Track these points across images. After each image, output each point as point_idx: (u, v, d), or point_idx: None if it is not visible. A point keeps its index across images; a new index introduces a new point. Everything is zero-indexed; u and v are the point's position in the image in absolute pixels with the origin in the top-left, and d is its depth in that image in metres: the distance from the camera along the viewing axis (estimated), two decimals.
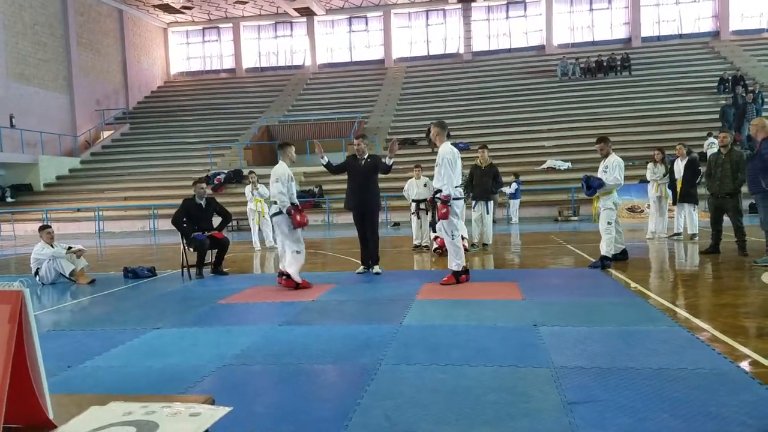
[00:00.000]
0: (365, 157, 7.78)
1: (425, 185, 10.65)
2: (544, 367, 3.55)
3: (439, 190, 6.68)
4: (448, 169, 6.58)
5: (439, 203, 6.68)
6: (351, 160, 7.91)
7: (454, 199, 6.66)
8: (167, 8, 31.69)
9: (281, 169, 6.86)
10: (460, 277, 6.70)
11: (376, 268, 7.83)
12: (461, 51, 32.33)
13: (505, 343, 4.15)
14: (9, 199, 22.52)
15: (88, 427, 1.18)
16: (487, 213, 10.33)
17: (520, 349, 3.97)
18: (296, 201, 6.93)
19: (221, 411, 1.20)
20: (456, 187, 6.68)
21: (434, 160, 6.98)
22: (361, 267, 7.94)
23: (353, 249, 9.88)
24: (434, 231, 9.71)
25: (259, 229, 12.28)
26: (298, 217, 6.67)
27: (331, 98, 29.72)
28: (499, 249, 10.69)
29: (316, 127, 25.58)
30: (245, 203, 12.71)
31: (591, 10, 31.68)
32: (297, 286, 6.70)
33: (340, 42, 33.94)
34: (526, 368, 3.56)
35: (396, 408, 2.99)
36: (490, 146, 11.85)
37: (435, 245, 9.87)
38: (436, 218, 7.16)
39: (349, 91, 30.71)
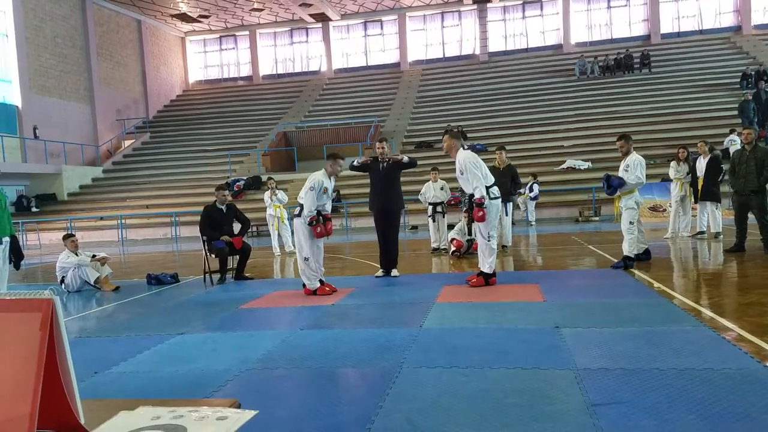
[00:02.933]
0: (387, 159, 7.80)
1: (442, 188, 10.64)
2: (567, 369, 3.52)
3: (473, 195, 6.54)
4: (475, 172, 6.46)
5: (474, 207, 6.51)
6: (372, 162, 7.94)
7: (491, 198, 6.56)
8: (185, 18, 32.06)
9: (317, 176, 6.79)
10: (489, 279, 6.64)
11: (394, 272, 7.84)
12: (477, 52, 32.20)
13: (527, 345, 4.12)
14: (34, 209, 22.94)
15: (119, 431, 1.21)
16: (506, 215, 10.27)
17: (542, 351, 3.94)
18: (327, 210, 6.87)
19: (247, 415, 1.22)
20: (489, 187, 6.56)
21: (451, 163, 6.92)
22: (381, 271, 7.94)
23: (371, 253, 9.90)
24: (469, 234, 9.67)
25: (279, 235, 12.37)
26: (318, 229, 6.65)
27: (347, 103, 29.81)
28: (519, 250, 10.63)
29: (333, 132, 25.66)
30: (264, 209, 12.80)
31: (609, 7, 31.34)
32: (314, 293, 6.71)
33: (356, 47, 34.03)
34: (548, 370, 3.53)
35: (417, 411, 2.99)
36: (508, 147, 11.75)
37: (452, 248, 9.84)
38: (473, 221, 7.05)
39: (365, 95, 30.77)
